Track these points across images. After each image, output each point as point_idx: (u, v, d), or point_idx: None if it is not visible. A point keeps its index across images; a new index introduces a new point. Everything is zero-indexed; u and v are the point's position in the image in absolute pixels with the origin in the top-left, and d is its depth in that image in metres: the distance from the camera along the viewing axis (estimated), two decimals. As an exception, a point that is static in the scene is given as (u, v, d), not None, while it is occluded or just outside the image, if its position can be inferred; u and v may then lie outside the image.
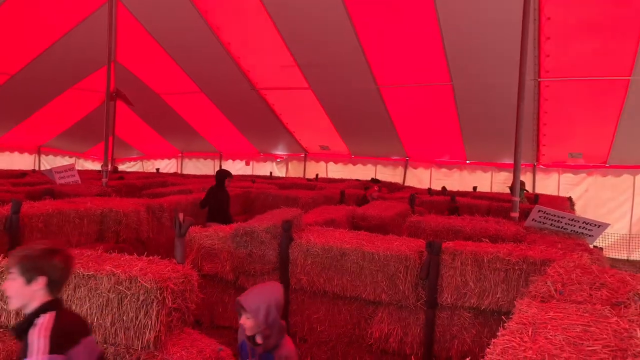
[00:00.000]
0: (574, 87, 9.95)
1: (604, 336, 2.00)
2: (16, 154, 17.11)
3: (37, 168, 16.51)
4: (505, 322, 2.22)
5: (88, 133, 16.75)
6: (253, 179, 12.50)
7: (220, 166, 17.79)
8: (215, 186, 7.52)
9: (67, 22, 11.81)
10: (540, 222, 5.28)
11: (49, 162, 17.31)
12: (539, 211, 5.24)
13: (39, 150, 17.75)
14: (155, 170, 17.81)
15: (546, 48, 9.00)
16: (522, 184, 8.79)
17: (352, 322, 4.07)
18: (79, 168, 11.90)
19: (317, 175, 14.96)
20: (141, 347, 2.68)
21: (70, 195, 6.96)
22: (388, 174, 15.02)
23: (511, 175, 11.95)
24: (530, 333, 2.05)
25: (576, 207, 10.23)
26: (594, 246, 4.88)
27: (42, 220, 4.71)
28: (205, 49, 12.04)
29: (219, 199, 7.37)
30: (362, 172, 15.45)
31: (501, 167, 13.20)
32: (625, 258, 11.31)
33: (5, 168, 14.86)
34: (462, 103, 11.32)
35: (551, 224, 5.22)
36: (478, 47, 9.63)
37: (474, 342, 3.72)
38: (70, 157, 18.23)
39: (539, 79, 9.73)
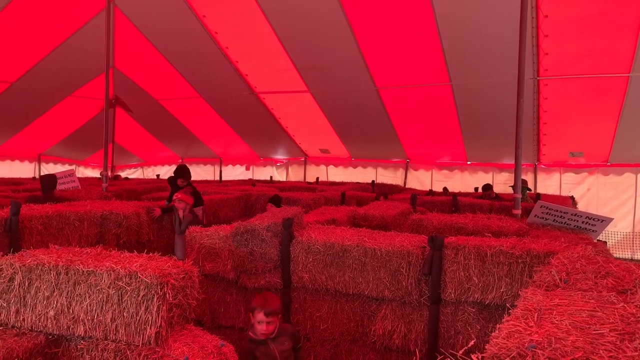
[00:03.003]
0: (573, 85, 9.95)
1: (611, 320, 1.97)
2: (17, 162, 17.13)
3: (37, 176, 16.49)
4: (510, 310, 2.19)
5: (88, 140, 16.77)
6: (253, 182, 12.49)
7: (221, 172, 17.78)
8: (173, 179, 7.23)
9: (65, 29, 11.84)
10: (543, 218, 5.25)
11: (49, 170, 17.30)
12: (541, 207, 5.21)
13: (39, 158, 17.76)
14: (155, 177, 17.81)
15: (545, 46, 9.01)
16: (525, 182, 8.76)
17: (355, 319, 4.03)
18: (79, 175, 11.89)
19: (317, 178, 14.95)
20: (142, 343, 2.64)
21: (71, 200, 6.94)
22: (389, 176, 15.01)
23: (511, 176, 11.97)
24: (535, 318, 2.02)
25: (578, 207, 10.20)
26: (598, 240, 4.84)
27: (41, 222, 4.69)
28: (204, 53, 12.07)
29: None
30: (363, 175, 15.44)
31: (502, 168, 13.18)
32: (630, 257, 11.27)
33: (6, 176, 14.87)
34: (462, 103, 11.32)
35: (554, 220, 5.19)
36: (476, 46, 9.64)
37: (478, 338, 3.67)
38: (70, 164, 18.23)
39: (538, 78, 9.73)
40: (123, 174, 18.18)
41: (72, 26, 11.78)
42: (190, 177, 7.01)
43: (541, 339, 1.80)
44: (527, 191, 8.67)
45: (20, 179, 13.37)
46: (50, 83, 13.48)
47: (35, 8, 10.91)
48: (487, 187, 9.88)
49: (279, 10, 10.33)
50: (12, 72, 12.83)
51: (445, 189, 10.76)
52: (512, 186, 9.39)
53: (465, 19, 9.19)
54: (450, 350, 3.60)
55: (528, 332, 1.87)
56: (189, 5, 10.70)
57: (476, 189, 11.11)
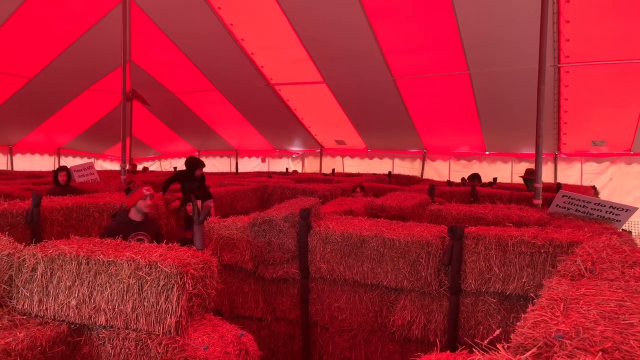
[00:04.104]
0: (595, 72, 9.71)
1: (641, 310, 1.91)
2: (37, 155, 17.39)
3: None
4: (534, 300, 2.15)
5: (106, 134, 16.96)
6: (270, 174, 12.51)
7: (237, 164, 17.85)
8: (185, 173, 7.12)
9: (82, 24, 11.94)
10: (564, 207, 5.15)
11: (68, 164, 17.56)
12: (563, 196, 5.10)
13: (58, 152, 18.03)
14: (173, 169, 17.95)
15: (566, 32, 8.79)
16: (532, 172, 8.60)
17: (373, 310, 4.01)
18: (98, 169, 12.03)
19: (333, 170, 14.91)
20: (162, 333, 2.66)
21: (90, 192, 7.03)
22: (406, 167, 14.89)
23: (531, 165, 11.79)
24: (562, 308, 1.97)
25: (600, 197, 10.00)
26: (622, 230, 4.73)
27: (62, 213, 4.75)
28: (219, 45, 12.07)
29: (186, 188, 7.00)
30: (379, 166, 15.35)
31: (522, 158, 12.99)
32: (654, 248, 11.02)
33: (27, 169, 15.14)
34: (480, 92, 11.14)
35: (576, 210, 5.08)
36: (495, 34, 9.46)
37: (499, 328, 3.62)
38: (89, 157, 18.47)
39: (558, 65, 9.52)
40: (140, 167, 18.36)
41: (88, 21, 11.87)
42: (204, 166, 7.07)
43: (568, 329, 1.75)
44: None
45: (40, 172, 13.60)
46: (68, 77, 13.63)
47: (52, 3, 11.01)
48: (474, 177, 9.76)
49: (294, 1, 10.26)
50: (31, 67, 13.00)
51: (463, 179, 10.63)
52: (522, 177, 9.20)
53: (483, 5, 9.02)
54: (476, 340, 3.55)
55: (554, 322, 1.83)
56: (204, -2, 10.70)
57: (495, 179, 10.95)
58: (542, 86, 6.01)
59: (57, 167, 16.78)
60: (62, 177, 7.22)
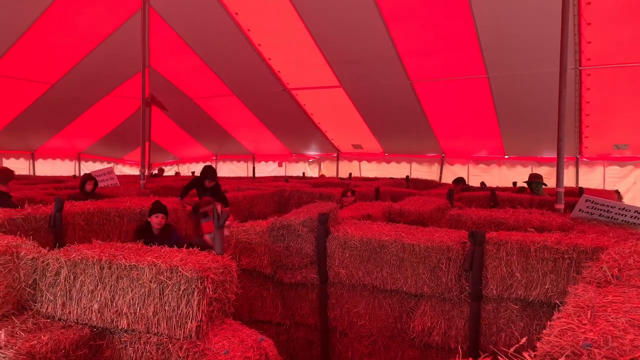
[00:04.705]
0: (617, 74, 9.54)
1: (673, 319, 1.85)
2: (57, 160, 17.70)
3: (77, 174, 17.04)
4: (560, 307, 2.10)
5: (125, 139, 17.22)
6: (286, 178, 12.54)
7: (254, 168, 17.94)
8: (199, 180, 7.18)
9: (102, 31, 12.16)
10: (588, 212, 5.05)
11: (88, 168, 17.85)
12: (586, 201, 5.01)
13: (78, 157, 18.33)
14: (191, 174, 18.11)
15: (587, 34, 8.66)
16: (540, 177, 8.53)
17: (393, 315, 3.97)
18: (117, 173, 12.20)
19: (350, 174, 14.87)
20: (183, 337, 2.67)
21: (110, 197, 7.12)
22: (423, 171, 14.80)
23: (551, 170, 11.62)
24: (589, 316, 1.92)
25: (624, 201, 9.80)
26: (649, 235, 4.61)
27: (83, 218, 4.81)
28: (236, 51, 12.18)
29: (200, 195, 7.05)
30: (397, 170, 15.27)
31: (542, 162, 12.80)
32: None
33: (48, 174, 15.42)
34: (499, 96, 11.03)
35: (600, 215, 4.98)
36: (514, 36, 9.36)
37: (522, 335, 3.56)
38: (109, 162, 18.74)
39: (580, 68, 9.38)
40: (155, 170, 18.52)
41: (108, 27, 12.08)
42: (216, 177, 7.06)
43: (596, 337, 1.71)
44: (543, 186, 8.39)
45: (61, 177, 13.83)
46: (89, 83, 13.88)
47: (73, 11, 11.23)
48: (459, 181, 9.64)
49: (310, 6, 10.30)
50: (53, 74, 13.27)
51: (482, 183, 10.52)
52: (525, 182, 9.02)
53: (501, 7, 8.93)
54: (502, 347, 3.49)
55: (582, 330, 1.78)
56: (222, 4, 10.79)
57: (514, 183, 10.82)
58: (564, 89, 5.92)
59: (78, 172, 17.14)
60: (89, 186, 7.34)
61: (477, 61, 10.25)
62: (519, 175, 12.73)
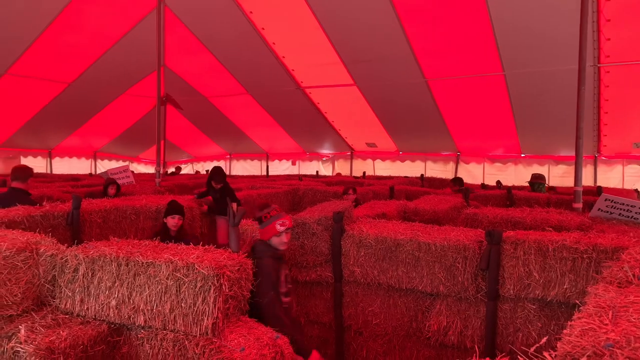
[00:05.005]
0: (637, 72, 9.37)
1: (698, 320, 1.81)
2: (74, 159, 17.93)
3: (93, 172, 17.25)
4: (579, 307, 2.07)
5: (140, 138, 17.38)
6: (300, 176, 12.55)
7: (267, 167, 17.99)
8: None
9: (118, 30, 12.28)
10: (607, 212, 4.97)
11: (104, 167, 18.06)
12: (605, 200, 4.93)
13: (94, 155, 18.55)
14: (205, 172, 18.22)
15: (606, 31, 8.52)
16: (542, 177, 8.41)
17: (408, 314, 3.95)
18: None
19: (364, 173, 14.84)
20: (200, 334, 2.68)
21: (126, 195, 7.20)
22: (438, 170, 14.70)
23: (569, 168, 11.46)
24: (610, 316, 1.89)
25: (643, 200, 9.61)
26: (670, 235, 4.52)
27: (100, 215, 4.86)
28: (251, 49, 12.21)
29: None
30: (411, 169, 15.20)
31: (559, 160, 12.64)
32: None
33: (65, 173, 15.63)
34: (516, 93, 10.91)
35: (619, 214, 4.90)
36: (531, 33, 9.24)
37: (540, 336, 3.51)
38: (124, 161, 18.93)
39: (598, 65, 9.23)
40: (172, 169, 18.67)
41: (124, 27, 12.20)
42: (224, 179, 6.94)
43: (618, 338, 1.67)
44: (544, 186, 8.29)
45: (78, 175, 14.01)
46: (105, 82, 14.04)
47: (89, 11, 11.36)
48: (457, 181, 9.50)
49: (325, 4, 10.28)
50: (70, 73, 13.44)
51: (498, 182, 10.41)
52: (529, 182, 8.82)
53: (518, 4, 8.82)
54: (522, 347, 3.45)
55: (603, 331, 1.75)
56: (237, 3, 10.83)
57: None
58: (582, 86, 5.83)
59: (95, 171, 17.34)
60: (111, 190, 7.45)
61: (494, 58, 10.14)
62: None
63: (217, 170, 6.92)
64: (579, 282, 3.38)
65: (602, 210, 4.98)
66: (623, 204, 4.83)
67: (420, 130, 13.71)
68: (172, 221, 4.86)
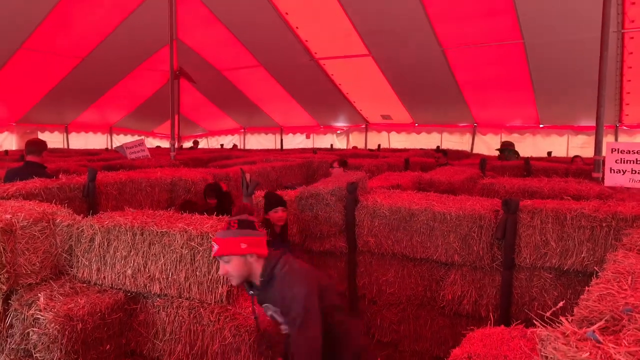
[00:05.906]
0: (663, 37, 9.04)
1: None
2: (90, 134, 18.11)
3: (109, 147, 17.40)
4: (598, 273, 2.03)
5: (154, 112, 17.41)
6: (314, 150, 12.51)
7: (282, 140, 17.94)
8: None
9: (129, 3, 12.16)
10: (620, 171, 4.82)
11: (120, 141, 18.20)
12: (612, 151, 4.74)
13: (110, 130, 18.68)
14: (220, 146, 18.29)
15: (631, -6, 8.20)
16: (512, 145, 8.25)
17: (422, 284, 3.94)
18: (148, 146, 12.38)
19: (379, 145, 14.72)
20: (214, 302, 2.71)
21: (142, 168, 7.24)
22: (455, 141, 14.51)
23: (588, 139, 11.21)
24: (630, 281, 1.85)
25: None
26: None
27: (116, 188, 4.90)
28: (264, 20, 12.04)
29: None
30: (427, 141, 15.02)
31: (578, 130, 12.37)
32: None
33: (81, 147, 15.80)
34: (535, 62, 10.62)
35: (632, 170, 4.75)
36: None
37: (556, 305, 3.48)
38: (140, 135, 19.05)
39: (622, 30, 8.90)
40: (187, 145, 18.72)
41: (135, 0, 12.07)
42: (215, 193, 5.78)
43: (638, 303, 1.64)
44: (515, 154, 8.18)
45: (94, 149, 14.14)
46: (118, 57, 13.99)
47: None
48: (438, 150, 9.36)
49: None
50: (83, 48, 13.42)
51: (516, 152, 10.21)
52: (497, 149, 8.65)
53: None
54: (538, 311, 3.42)
55: (622, 296, 1.72)
56: (248, -28, 10.64)
57: (549, 153, 10.50)
58: (605, 51, 5.63)
59: (111, 145, 17.48)
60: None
61: (513, 26, 9.84)
62: (554, 144, 12.35)
63: (209, 186, 5.44)
64: (597, 251, 3.33)
65: (614, 171, 4.83)
66: (630, 152, 4.66)
67: (436, 101, 13.48)
68: (276, 215, 3.99)
